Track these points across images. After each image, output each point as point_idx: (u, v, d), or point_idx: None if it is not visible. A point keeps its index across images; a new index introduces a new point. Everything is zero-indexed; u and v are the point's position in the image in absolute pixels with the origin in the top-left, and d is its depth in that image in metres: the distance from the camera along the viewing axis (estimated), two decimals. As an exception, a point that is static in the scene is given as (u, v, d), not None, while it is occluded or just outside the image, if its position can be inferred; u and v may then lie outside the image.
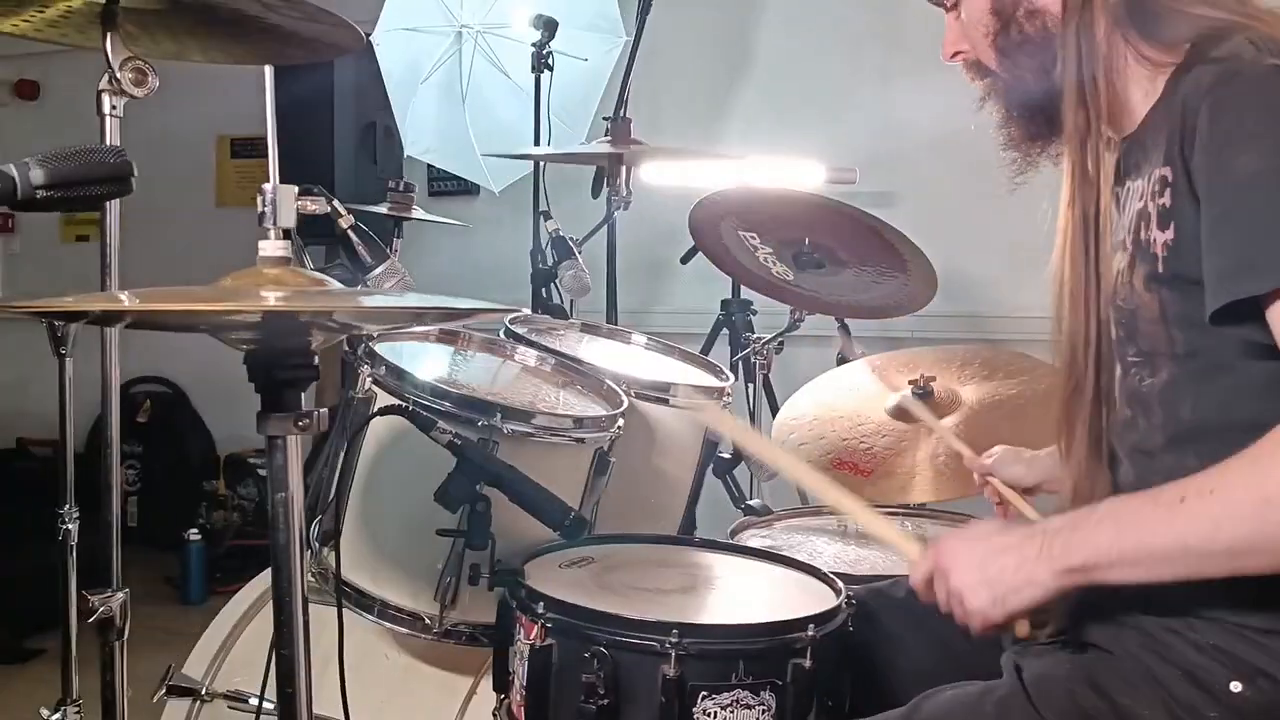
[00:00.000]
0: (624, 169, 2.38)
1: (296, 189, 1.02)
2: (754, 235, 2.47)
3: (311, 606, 1.54)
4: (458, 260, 4.43)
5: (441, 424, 1.40)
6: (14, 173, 0.83)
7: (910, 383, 2.27)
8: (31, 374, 5.59)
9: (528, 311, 2.14)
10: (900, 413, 2.27)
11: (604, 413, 1.63)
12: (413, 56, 3.57)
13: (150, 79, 1.31)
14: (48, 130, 5.50)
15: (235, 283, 0.98)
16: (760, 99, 4.18)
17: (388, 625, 1.60)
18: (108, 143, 1.33)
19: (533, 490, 1.43)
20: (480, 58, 3.63)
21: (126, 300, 0.86)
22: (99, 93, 1.33)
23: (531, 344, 1.87)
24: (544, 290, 2.22)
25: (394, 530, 1.59)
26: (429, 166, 4.26)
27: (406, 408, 1.41)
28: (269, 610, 1.88)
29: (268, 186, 1.01)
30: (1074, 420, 1.24)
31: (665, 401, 1.87)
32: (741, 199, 2.59)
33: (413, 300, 1.00)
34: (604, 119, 2.67)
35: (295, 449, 1.02)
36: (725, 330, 3.29)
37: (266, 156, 4.78)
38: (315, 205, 1.09)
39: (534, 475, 1.51)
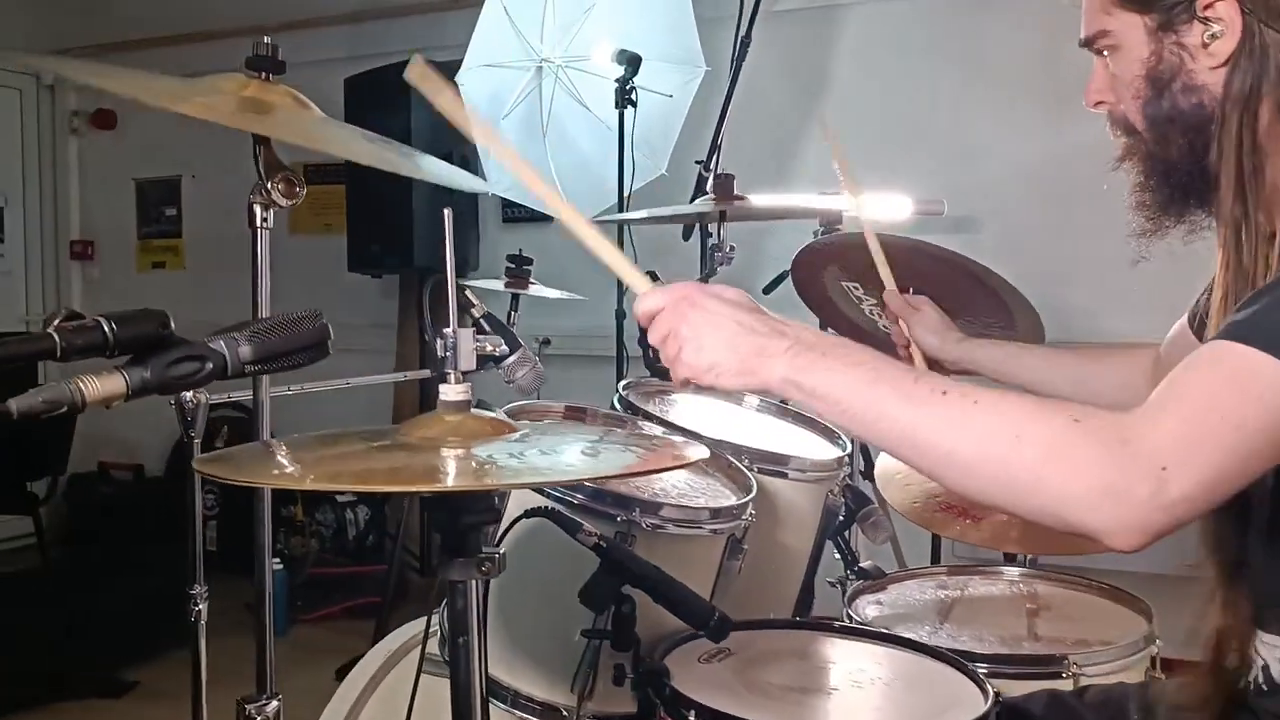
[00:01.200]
0: (719, 230, 2.36)
1: (472, 332, 1.01)
2: (857, 285, 2.44)
3: (433, 678, 1.57)
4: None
5: (587, 526, 1.39)
6: (224, 349, 0.82)
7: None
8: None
9: (635, 379, 2.13)
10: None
11: (736, 502, 1.61)
12: (494, 91, 3.58)
13: (299, 189, 1.31)
14: (125, 160, 5.59)
15: (418, 434, 0.97)
16: (839, 128, 4.13)
17: (519, 714, 1.59)
18: (260, 265, 1.31)
19: (677, 590, 1.42)
20: (561, 91, 3.63)
21: (295, 470, 0.85)
22: (250, 204, 1.32)
23: (650, 416, 1.86)
24: (651, 350, 2.19)
25: (532, 624, 1.59)
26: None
27: (549, 509, 1.41)
28: (387, 690, 1.89)
29: (448, 330, 1.00)
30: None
31: (783, 475, 1.85)
32: (842, 245, 2.56)
33: (604, 464, 0.97)
34: (699, 168, 2.67)
35: (476, 592, 1.01)
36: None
37: (341, 183, 4.85)
38: (493, 346, 1.08)
39: (668, 566, 1.51)
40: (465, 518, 0.98)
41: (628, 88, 3.32)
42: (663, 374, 2.23)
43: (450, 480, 0.83)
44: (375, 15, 4.82)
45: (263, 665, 1.53)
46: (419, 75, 1.22)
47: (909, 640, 1.65)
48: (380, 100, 4.31)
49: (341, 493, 5.02)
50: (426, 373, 1.69)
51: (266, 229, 1.35)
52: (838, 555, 2.15)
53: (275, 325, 0.84)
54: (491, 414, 1.06)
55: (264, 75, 1.36)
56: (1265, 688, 1.19)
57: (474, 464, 0.91)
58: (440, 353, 1.01)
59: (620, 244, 3.28)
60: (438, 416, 1.00)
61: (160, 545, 3.83)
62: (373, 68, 4.44)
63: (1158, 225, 1.23)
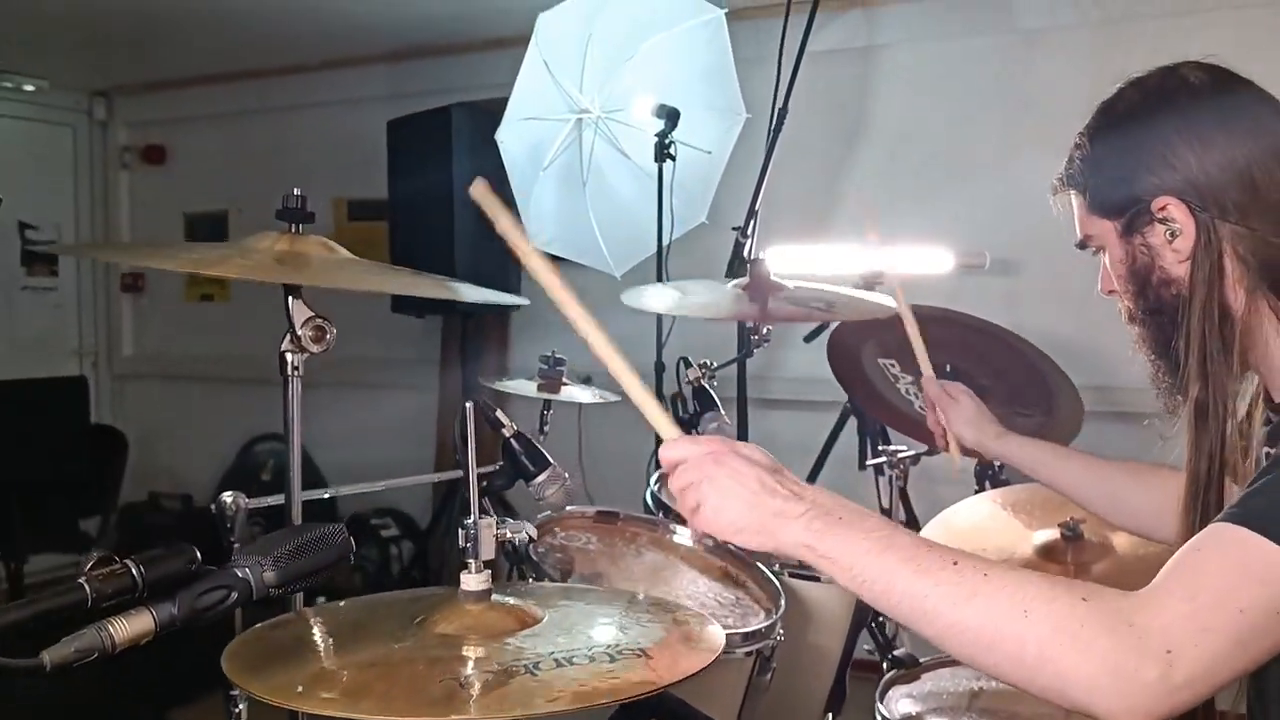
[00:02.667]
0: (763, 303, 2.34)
1: (494, 521, 1.02)
2: (894, 363, 2.43)
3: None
4: (569, 335, 4.46)
5: (612, 661, 1.40)
6: (250, 577, 0.84)
7: (1059, 525, 2.21)
8: (161, 430, 5.82)
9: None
10: (1048, 552, 2.23)
11: (764, 623, 1.62)
12: (535, 143, 3.59)
13: (329, 334, 1.33)
14: (174, 194, 5.69)
15: (440, 628, 0.99)
16: (875, 177, 4.12)
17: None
18: (291, 411, 1.34)
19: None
20: (601, 141, 3.64)
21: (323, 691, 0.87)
22: (281, 353, 1.35)
23: (681, 519, 1.87)
24: (661, 480, 2.21)
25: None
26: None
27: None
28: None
29: (469, 520, 1.01)
30: None
31: (815, 578, 1.85)
32: (878, 321, 2.54)
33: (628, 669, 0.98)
34: (736, 235, 2.66)
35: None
36: (853, 417, 3.26)
37: (382, 220, 4.90)
38: (514, 533, 1.09)
39: (696, 688, 1.51)
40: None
41: (666, 142, 3.32)
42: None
43: (472, 711, 0.84)
44: (415, 54, 4.86)
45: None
46: (481, 194, 1.24)
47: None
48: (423, 145, 4.35)
49: (385, 527, 5.10)
50: (457, 473, 1.71)
51: (298, 377, 1.37)
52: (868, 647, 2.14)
53: (299, 548, 0.86)
54: (512, 600, 1.06)
55: (293, 227, 1.38)
56: None
57: (494, 675, 0.92)
58: (461, 542, 1.02)
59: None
60: (460, 606, 1.02)
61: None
62: (414, 111, 4.48)
63: (1172, 404, 1.26)
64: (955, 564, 1.03)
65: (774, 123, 2.72)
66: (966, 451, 1.89)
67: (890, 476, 2.74)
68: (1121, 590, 1.01)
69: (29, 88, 5.32)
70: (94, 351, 5.83)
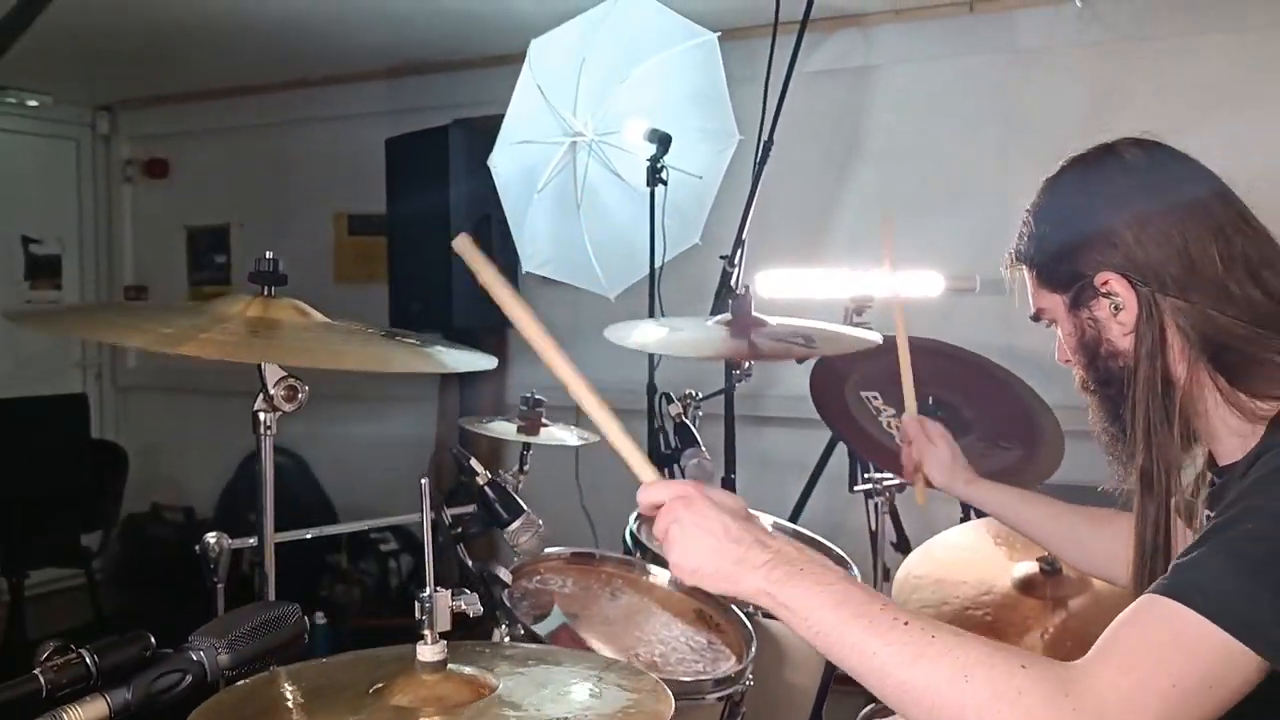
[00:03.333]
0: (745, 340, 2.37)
1: (449, 593, 1.05)
2: (876, 395, 2.45)
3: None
4: (570, 342, 4.49)
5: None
6: (204, 660, 0.87)
7: (1039, 559, 2.23)
8: (164, 442, 5.86)
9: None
10: (1026, 586, 2.24)
11: (733, 669, 1.64)
12: (530, 166, 3.61)
13: (300, 394, 1.36)
14: (176, 208, 5.74)
15: (394, 699, 1.01)
16: (869, 197, 4.14)
17: None
18: (264, 467, 1.36)
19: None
20: (595, 163, 3.66)
21: None
22: (254, 412, 1.38)
23: (658, 559, 1.89)
24: (666, 471, 2.23)
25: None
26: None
27: None
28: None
29: (424, 594, 1.04)
30: None
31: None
32: (862, 355, 2.56)
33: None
34: (723, 283, 2.68)
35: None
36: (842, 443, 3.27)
37: (381, 235, 4.93)
38: (469, 606, 1.12)
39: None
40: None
41: (658, 166, 3.34)
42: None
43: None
44: (414, 71, 4.89)
45: None
46: (464, 248, 1.30)
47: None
48: (420, 164, 4.39)
49: (384, 541, 5.14)
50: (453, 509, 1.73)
51: (270, 435, 1.40)
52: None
53: (254, 630, 0.89)
54: (469, 670, 1.09)
55: (265, 290, 1.40)
56: None
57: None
58: (418, 615, 1.04)
59: (651, 311, 3.33)
60: (416, 677, 1.04)
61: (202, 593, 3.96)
62: (413, 126, 4.51)
63: (1127, 471, 1.29)
64: (905, 624, 1.05)
65: (759, 155, 2.74)
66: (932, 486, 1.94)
67: (877, 503, 2.77)
68: (1059, 660, 1.04)
69: (33, 103, 5.37)
70: (98, 364, 5.88)
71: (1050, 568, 2.22)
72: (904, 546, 3.07)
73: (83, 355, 5.83)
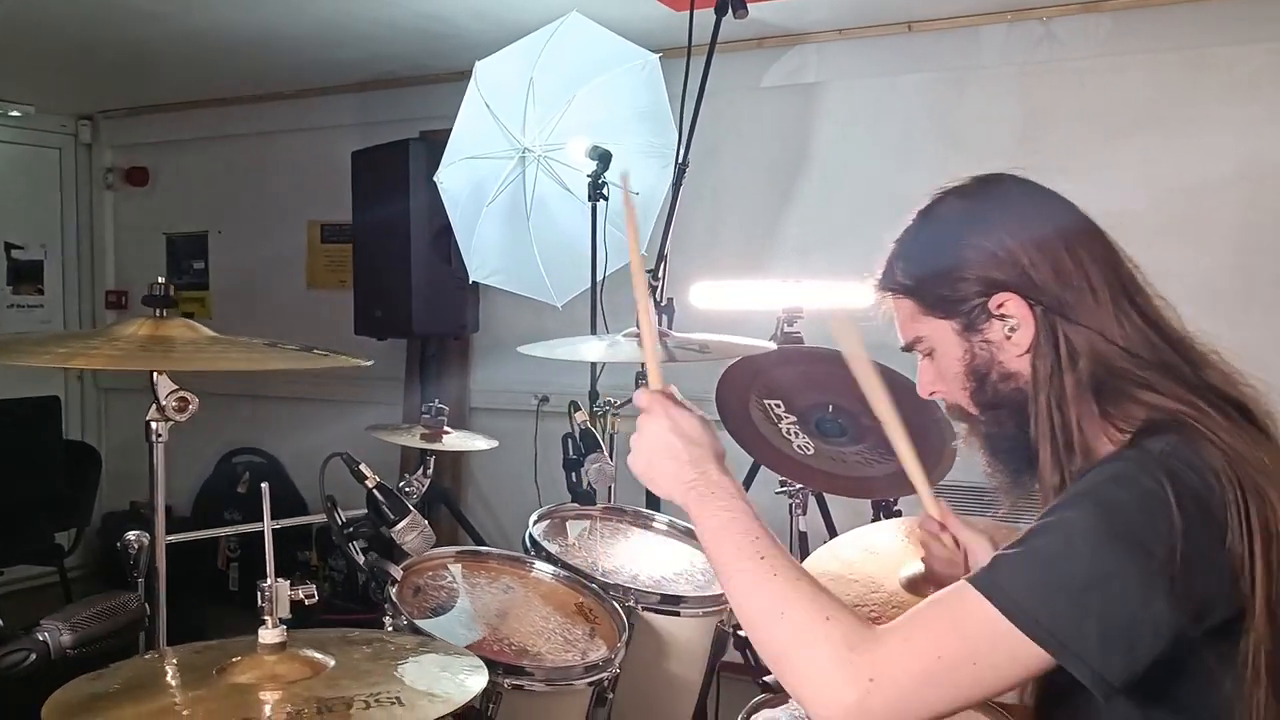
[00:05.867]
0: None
1: (288, 583, 1.20)
2: (779, 403, 2.59)
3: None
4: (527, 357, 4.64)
5: (444, 694, 1.57)
6: (49, 639, 1.02)
7: (922, 559, 2.37)
8: (143, 442, 6.00)
9: (555, 505, 2.32)
10: (912, 585, 2.38)
11: (602, 657, 1.79)
12: (479, 181, 3.76)
13: (191, 405, 1.51)
14: (156, 215, 5.90)
15: (240, 677, 1.16)
16: (814, 210, 4.28)
17: None
18: (156, 473, 1.52)
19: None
20: (544, 175, 3.80)
21: None
22: (147, 422, 1.53)
23: (549, 558, 2.04)
24: (574, 474, 2.39)
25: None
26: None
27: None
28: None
29: (264, 583, 1.18)
30: None
31: (676, 614, 2.02)
32: (768, 361, 2.70)
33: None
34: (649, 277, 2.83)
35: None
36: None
37: (351, 243, 5.07)
38: (306, 593, 1.27)
39: (538, 714, 1.69)
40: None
41: (600, 182, 3.48)
42: (584, 499, 2.43)
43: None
44: (383, 85, 5.04)
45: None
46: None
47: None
48: (383, 176, 4.54)
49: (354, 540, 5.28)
50: (357, 511, 1.88)
51: (161, 443, 1.55)
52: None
53: (95, 615, 1.03)
54: (310, 653, 1.24)
55: (158, 312, 1.56)
56: None
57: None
58: (259, 602, 1.20)
59: (593, 321, 3.49)
60: (258, 658, 1.19)
61: (182, 589, 4.10)
62: (378, 138, 4.67)
63: (1015, 487, 1.33)
64: (762, 558, 1.17)
65: (676, 176, 2.89)
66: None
67: (790, 505, 2.92)
68: (867, 621, 1.13)
69: (16, 113, 5.53)
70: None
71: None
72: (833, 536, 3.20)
73: (65, 358, 5.99)
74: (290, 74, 4.99)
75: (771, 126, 4.37)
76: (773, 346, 2.47)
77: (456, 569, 1.98)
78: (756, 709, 2.27)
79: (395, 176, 4.45)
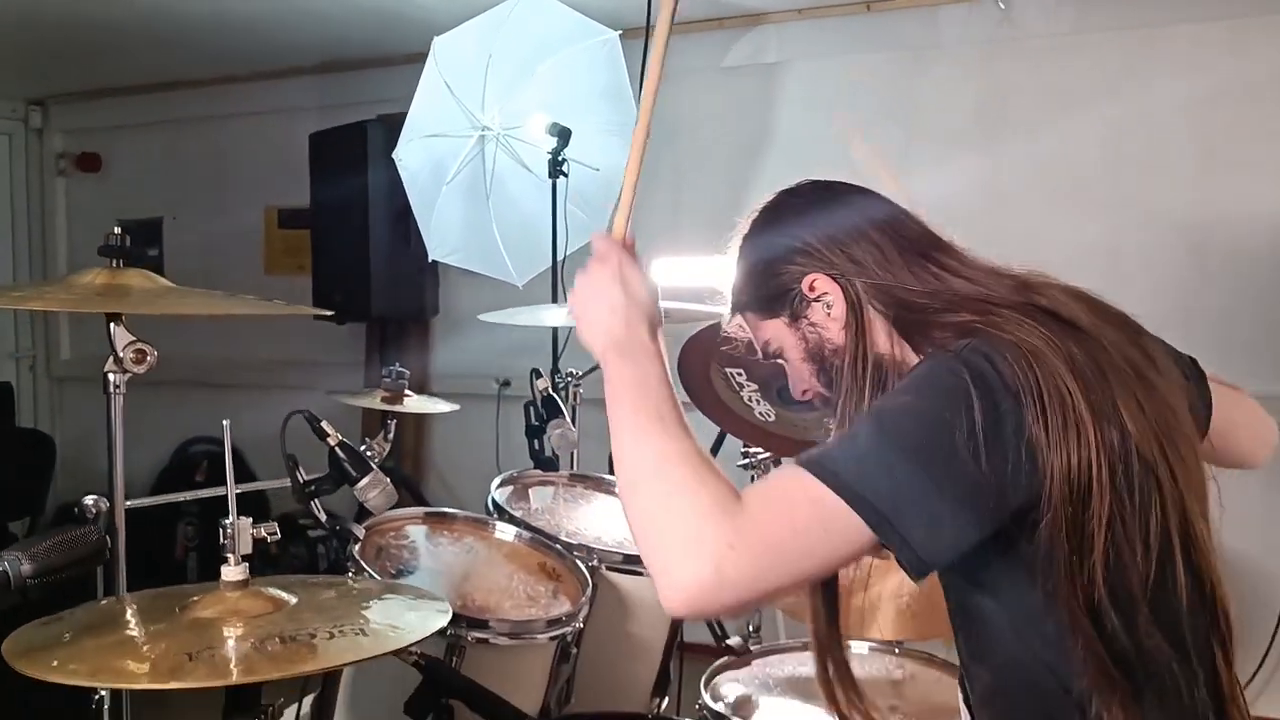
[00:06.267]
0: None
1: (250, 520, 1.19)
2: (740, 371, 2.59)
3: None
4: (487, 340, 4.63)
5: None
6: (9, 569, 1.00)
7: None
8: (98, 431, 5.91)
9: (518, 471, 2.31)
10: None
11: (565, 611, 1.78)
12: (437, 160, 3.74)
13: (150, 357, 1.49)
14: (109, 201, 5.81)
15: (203, 613, 1.15)
16: (775, 187, 4.29)
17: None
18: (114, 424, 1.49)
19: (491, 702, 1.59)
20: (503, 154, 3.79)
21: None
22: (105, 373, 1.51)
23: (513, 519, 2.04)
24: (536, 442, 2.38)
25: (377, 722, 1.77)
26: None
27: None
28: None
29: (228, 521, 1.17)
30: None
31: (639, 574, 2.02)
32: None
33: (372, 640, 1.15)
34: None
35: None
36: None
37: (309, 229, 5.03)
38: (268, 532, 1.26)
39: (500, 672, 1.69)
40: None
41: (560, 159, 3.48)
42: (547, 466, 2.43)
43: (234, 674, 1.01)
44: (342, 67, 5.00)
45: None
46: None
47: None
48: (341, 156, 4.51)
49: (313, 526, 5.25)
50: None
51: (120, 394, 1.53)
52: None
53: (54, 546, 1.02)
54: (273, 590, 1.23)
55: (115, 263, 1.54)
56: None
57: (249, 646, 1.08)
58: (221, 539, 1.18)
59: (554, 294, 3.49)
60: (221, 595, 1.18)
61: (139, 579, 4.06)
62: (336, 122, 4.63)
63: None
64: (661, 419, 1.19)
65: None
66: None
67: (753, 475, 2.94)
68: (738, 495, 1.13)
69: (-37, 99, 5.44)
70: (31, 355, 5.95)
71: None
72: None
73: (15, 347, 5.89)
74: (246, 56, 4.94)
75: (733, 106, 4.38)
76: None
77: (419, 529, 1.97)
78: (719, 671, 2.29)
79: (354, 158, 4.42)
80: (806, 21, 4.22)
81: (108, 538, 1.08)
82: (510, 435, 4.45)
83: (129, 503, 1.85)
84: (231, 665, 1.05)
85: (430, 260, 4.38)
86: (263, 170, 5.33)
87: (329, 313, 1.82)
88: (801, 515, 1.10)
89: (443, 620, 1.27)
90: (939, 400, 1.14)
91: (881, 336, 1.33)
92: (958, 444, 1.11)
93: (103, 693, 2.03)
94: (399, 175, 3.77)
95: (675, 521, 1.11)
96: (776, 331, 1.41)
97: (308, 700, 1.91)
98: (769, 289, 1.39)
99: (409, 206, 4.29)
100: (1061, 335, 1.22)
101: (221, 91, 5.35)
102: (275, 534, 1.32)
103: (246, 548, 1.22)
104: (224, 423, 1.26)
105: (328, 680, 1.74)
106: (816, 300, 1.35)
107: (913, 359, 1.31)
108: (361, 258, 4.41)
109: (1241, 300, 3.59)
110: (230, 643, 1.12)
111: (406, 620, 1.25)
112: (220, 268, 5.50)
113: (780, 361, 1.45)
